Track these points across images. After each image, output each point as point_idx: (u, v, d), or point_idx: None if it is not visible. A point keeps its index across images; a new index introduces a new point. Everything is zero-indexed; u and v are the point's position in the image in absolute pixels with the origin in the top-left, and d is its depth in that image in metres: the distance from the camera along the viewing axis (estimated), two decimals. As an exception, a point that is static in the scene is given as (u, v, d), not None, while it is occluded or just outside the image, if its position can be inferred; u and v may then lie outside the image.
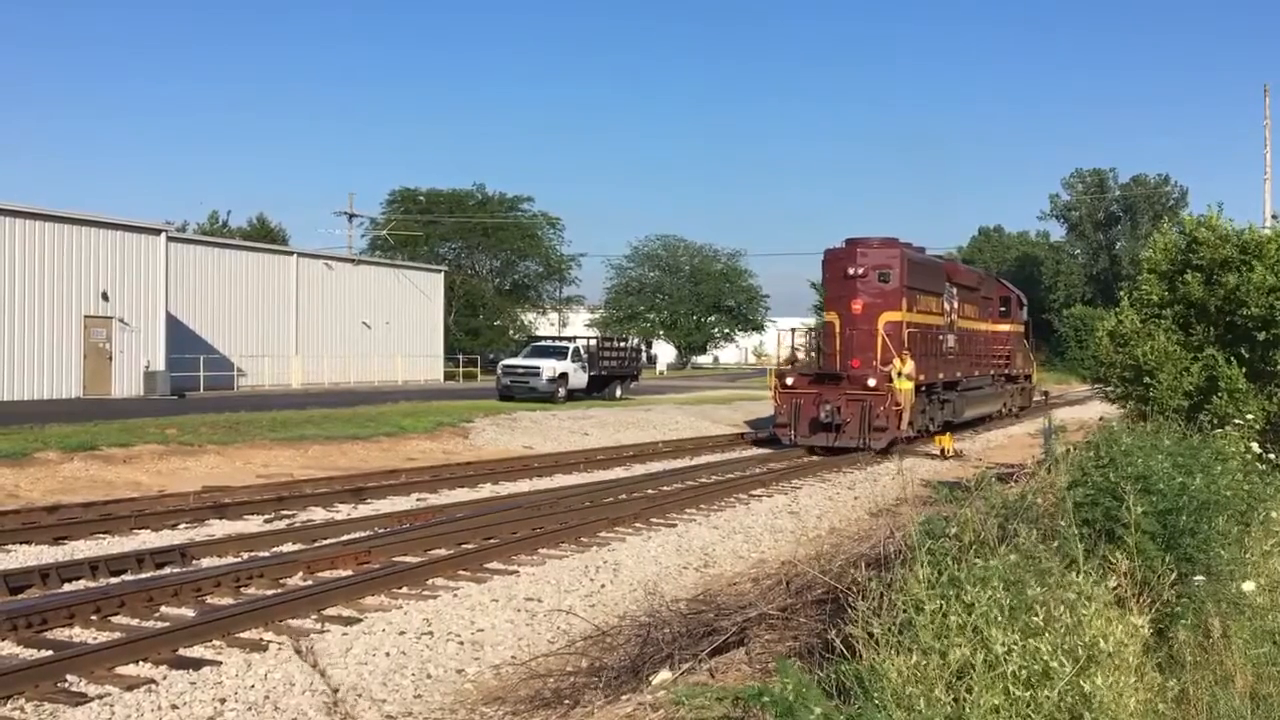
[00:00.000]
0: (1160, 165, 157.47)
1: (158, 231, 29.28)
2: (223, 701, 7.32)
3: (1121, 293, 17.69)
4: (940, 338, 27.76)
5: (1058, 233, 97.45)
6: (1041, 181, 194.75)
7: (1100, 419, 20.05)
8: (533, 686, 7.88)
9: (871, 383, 23.25)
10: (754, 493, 17.88)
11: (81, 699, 7.21)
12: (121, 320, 32.28)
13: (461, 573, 11.36)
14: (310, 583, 10.71)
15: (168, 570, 11.15)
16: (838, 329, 24.72)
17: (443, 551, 12.26)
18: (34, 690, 7.31)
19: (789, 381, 24.46)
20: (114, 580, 10.53)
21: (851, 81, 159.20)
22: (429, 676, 8.23)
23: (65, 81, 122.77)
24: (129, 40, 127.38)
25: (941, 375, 27.47)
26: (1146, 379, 15.26)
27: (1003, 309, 35.92)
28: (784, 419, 24.55)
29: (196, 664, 8.04)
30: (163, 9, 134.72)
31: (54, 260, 25.81)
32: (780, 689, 3.76)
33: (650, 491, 17.59)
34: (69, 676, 7.62)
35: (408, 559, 11.85)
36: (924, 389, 25.84)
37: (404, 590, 10.57)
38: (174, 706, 7.17)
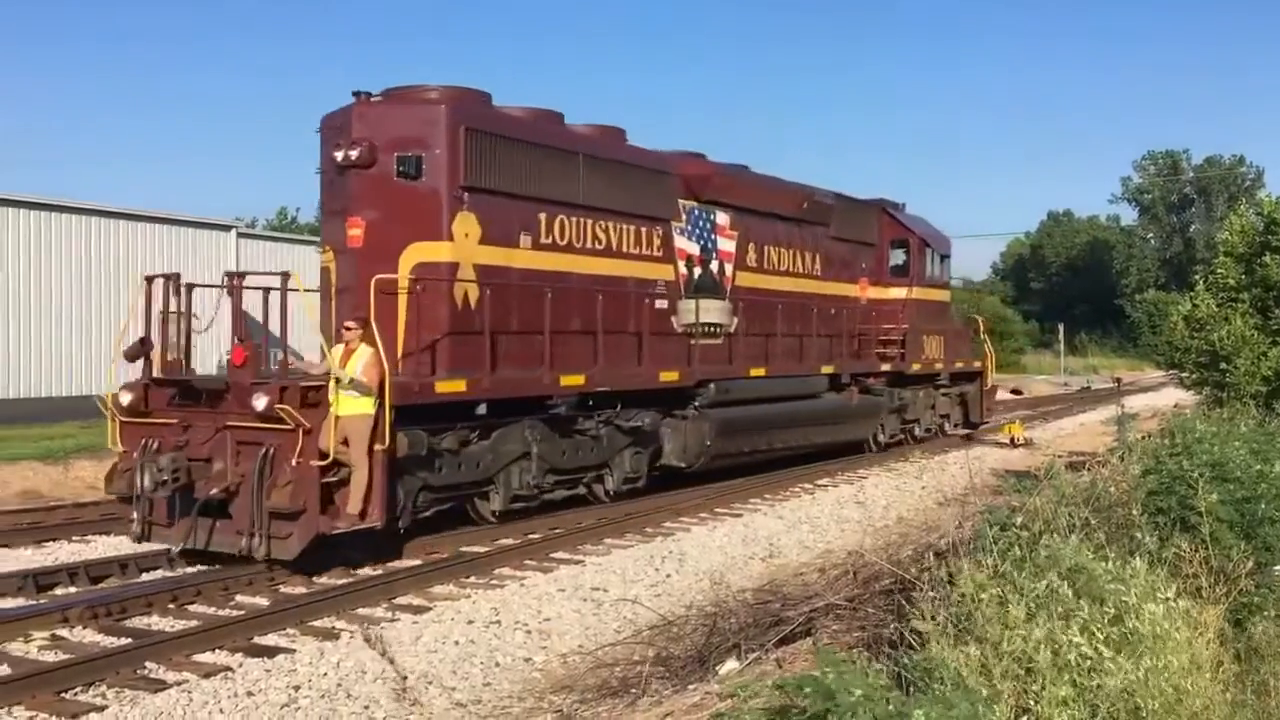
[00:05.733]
0: (1235, 146, 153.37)
1: (228, 228, 29.92)
2: (296, 689, 7.47)
3: (1196, 277, 17.34)
4: (650, 302, 14.88)
5: (1129, 216, 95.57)
6: (1112, 164, 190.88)
7: (1175, 406, 19.65)
8: (600, 675, 7.93)
9: (259, 404, 10.11)
10: (819, 482, 17.79)
11: (161, 685, 7.40)
12: (196, 316, 33.01)
13: (528, 562, 11.46)
14: (380, 572, 10.87)
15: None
16: (333, 279, 12.43)
17: (509, 541, 12.39)
18: (115, 677, 7.52)
19: (128, 401, 11.15)
20: (190, 569, 10.76)
21: (903, 53, 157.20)
22: (497, 665, 8.33)
23: (139, 79, 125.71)
24: (189, 37, 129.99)
25: (635, 372, 14.49)
26: (1223, 364, 14.94)
27: (896, 264, 21.96)
28: (126, 484, 10.82)
29: (271, 651, 8.21)
30: (228, 7, 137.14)
31: (129, 257, 26.51)
32: (823, 676, 3.75)
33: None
34: (148, 664, 7.82)
35: (475, 548, 11.99)
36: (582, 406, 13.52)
37: (471, 579, 10.70)
38: (249, 693, 7.33)
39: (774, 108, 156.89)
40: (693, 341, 15.74)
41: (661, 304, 15.40)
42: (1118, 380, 54.69)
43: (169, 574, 10.65)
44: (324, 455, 10.14)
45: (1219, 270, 16.07)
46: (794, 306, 18.20)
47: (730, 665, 6.88)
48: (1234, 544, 6.02)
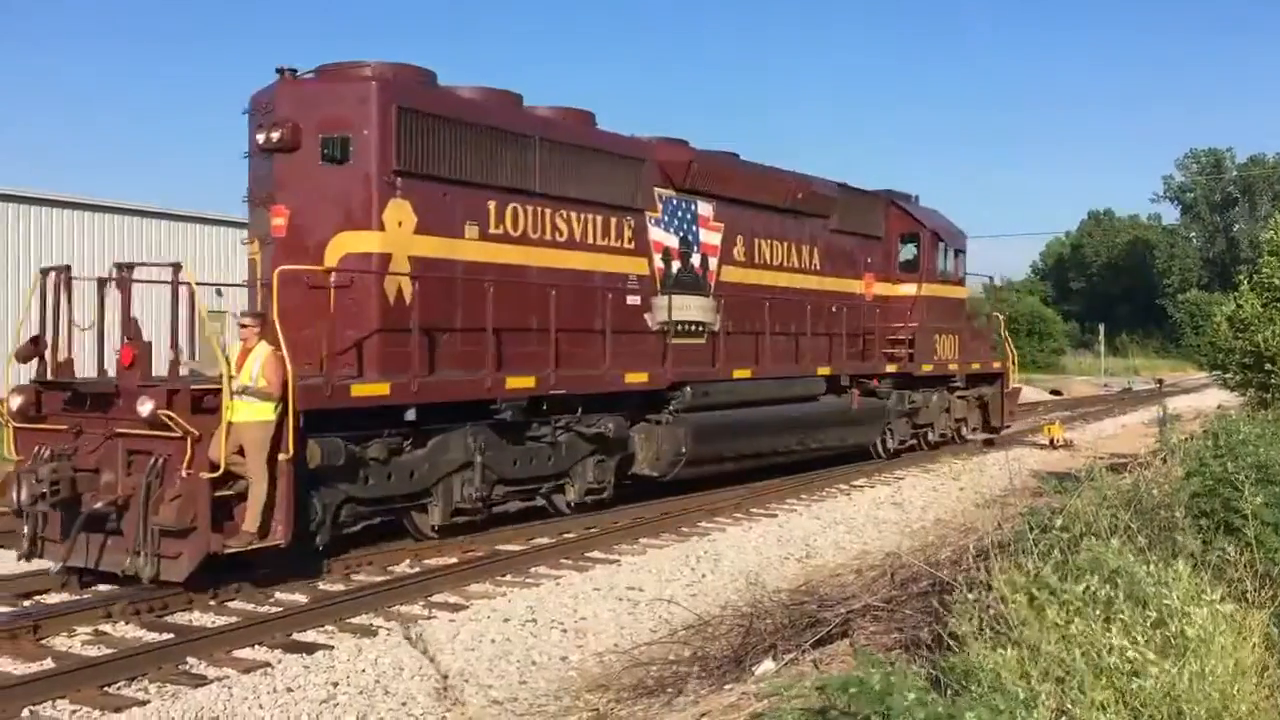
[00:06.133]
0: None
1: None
2: (335, 685, 7.53)
3: (1240, 277, 17.09)
4: (619, 298, 13.81)
5: (1171, 216, 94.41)
6: (1154, 162, 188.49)
7: (1218, 407, 19.38)
8: (636, 674, 7.94)
9: (144, 409, 9.15)
10: (855, 483, 17.70)
11: (201, 680, 7.48)
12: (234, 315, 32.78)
13: (564, 561, 11.49)
14: (418, 570, 10.94)
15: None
16: (259, 272, 11.71)
17: (545, 540, 12.42)
18: (157, 672, 7.62)
19: (18, 406, 10.13)
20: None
21: (934, 45, 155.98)
22: (533, 663, 8.35)
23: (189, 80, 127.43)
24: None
25: (600, 374, 13.27)
26: (1268, 365, 14.72)
27: (906, 259, 20.69)
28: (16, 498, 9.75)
29: (310, 648, 8.28)
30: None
31: (174, 257, 25.92)
32: (867, 678, 3.73)
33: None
34: (189, 659, 7.92)
35: (511, 547, 12.04)
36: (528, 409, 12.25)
37: (508, 578, 10.74)
38: (289, 689, 7.39)
39: (797, 103, 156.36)
40: (669, 341, 14.59)
41: (633, 300, 14.30)
42: (1159, 381, 54.07)
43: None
44: (215, 466, 9.11)
45: (1264, 270, 15.84)
46: (787, 304, 17.04)
47: (766, 666, 6.87)
48: (1279, 547, 5.93)
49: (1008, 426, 23.79)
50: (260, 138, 11.30)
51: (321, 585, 10.26)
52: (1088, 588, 4.60)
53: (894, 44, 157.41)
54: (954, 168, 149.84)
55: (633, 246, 14.45)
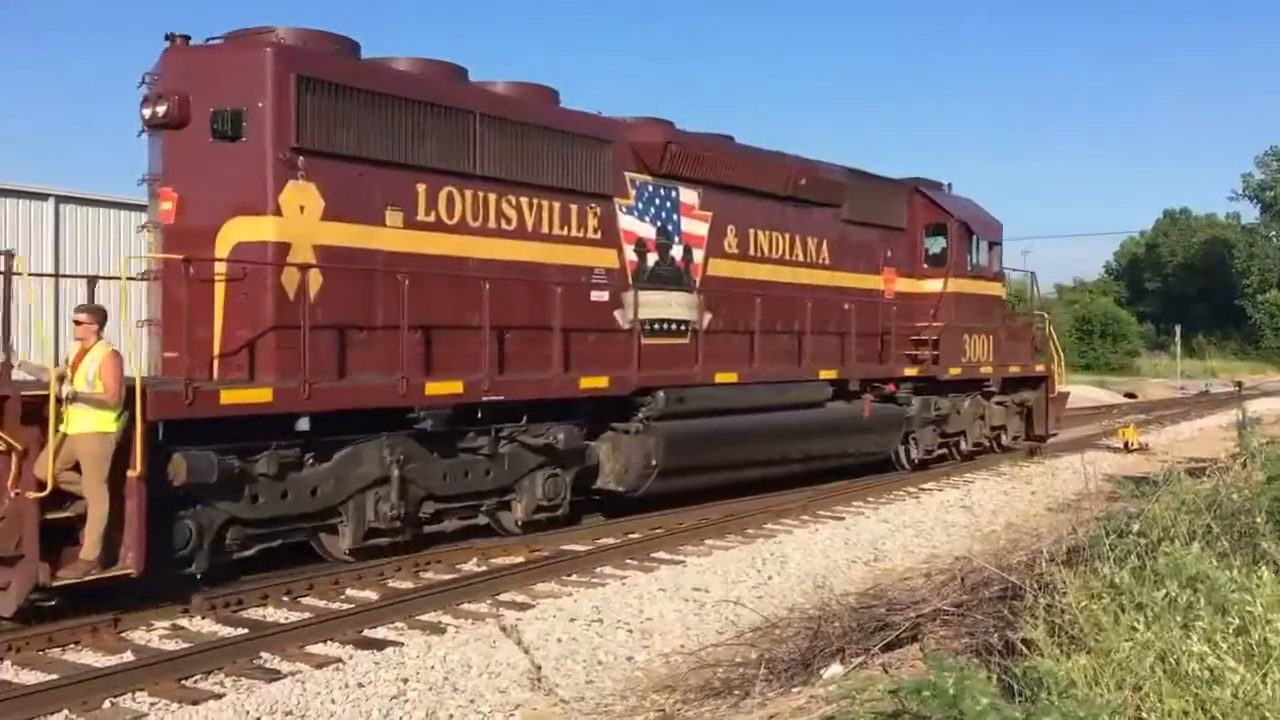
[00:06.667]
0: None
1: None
2: (405, 681, 7.62)
3: (1324, 276, 16.59)
4: (581, 294, 12.67)
5: (1250, 214, 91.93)
6: (1232, 160, 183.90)
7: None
8: (702, 676, 7.93)
9: None
10: (924, 486, 17.50)
11: (275, 675, 7.61)
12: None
13: (629, 561, 11.51)
14: (484, 568, 11.04)
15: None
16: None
17: (611, 541, 12.45)
18: (232, 666, 7.77)
19: None
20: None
21: (1002, 38, 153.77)
22: (599, 663, 8.38)
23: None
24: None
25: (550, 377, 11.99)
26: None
27: (934, 252, 19.09)
28: None
29: (380, 644, 8.40)
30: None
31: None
32: (942, 681, 3.68)
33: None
34: (264, 654, 8.06)
35: (576, 547, 12.09)
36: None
37: (573, 577, 10.78)
38: (360, 685, 7.49)
39: (859, 95, 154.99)
40: (642, 341, 13.20)
41: (599, 296, 12.95)
42: (1238, 384, 52.77)
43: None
44: (43, 485, 8.04)
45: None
46: (784, 300, 15.55)
47: (834, 669, 6.82)
48: (1367, 555, 5.76)
49: (1054, 434, 22.11)
50: (146, 112, 10.10)
51: (391, 583, 10.39)
52: (1167, 594, 4.51)
53: (963, 36, 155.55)
54: (1019, 164, 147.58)
55: (599, 237, 13.08)
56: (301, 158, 10.06)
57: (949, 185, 20.13)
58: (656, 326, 13.66)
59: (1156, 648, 4.26)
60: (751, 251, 15.44)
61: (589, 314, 12.74)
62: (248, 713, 6.90)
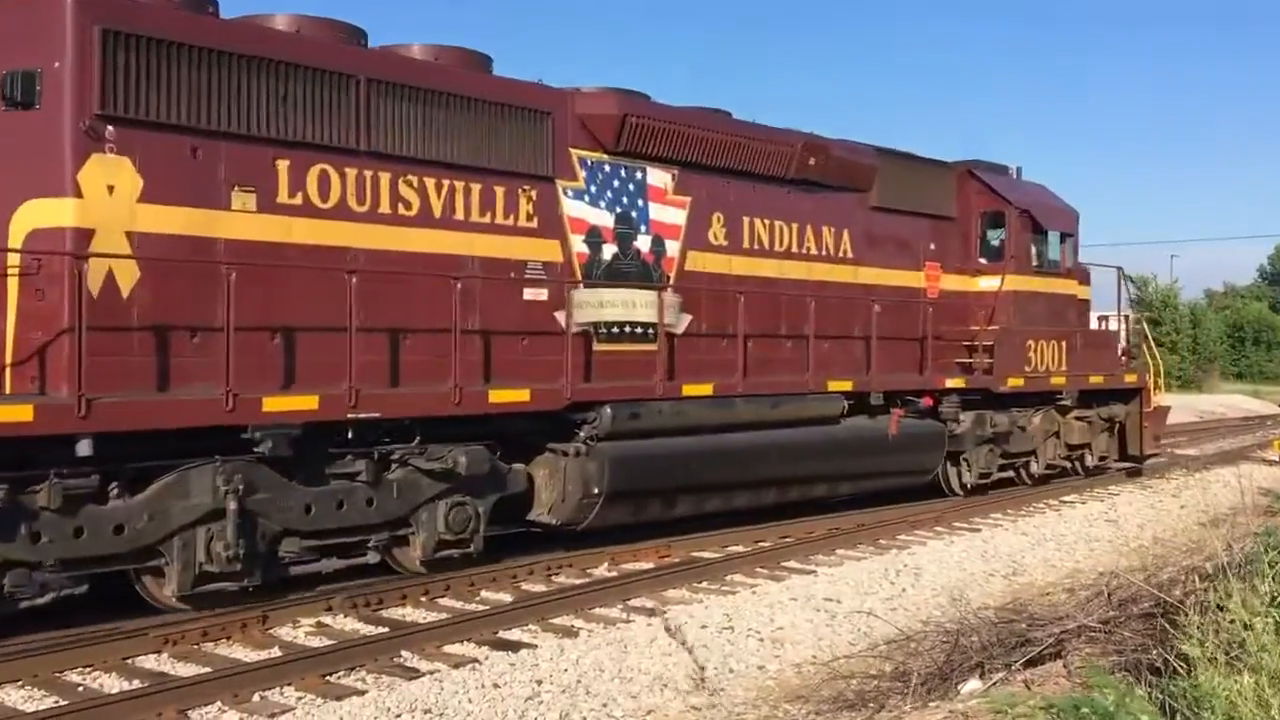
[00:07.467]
0: None
1: None
2: (539, 683, 7.71)
3: None
4: (509, 292, 10.92)
5: None
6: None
7: None
8: (835, 687, 7.83)
9: None
10: (1065, 499, 16.95)
11: (415, 674, 7.79)
12: None
13: (759, 570, 11.44)
14: (615, 574, 11.11)
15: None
16: None
17: (740, 549, 12.40)
18: (373, 663, 7.97)
19: None
20: None
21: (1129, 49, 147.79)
22: (731, 670, 8.35)
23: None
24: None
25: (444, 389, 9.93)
26: None
27: (991, 243, 16.75)
28: None
29: (514, 646, 8.52)
30: None
31: None
32: (1102, 699, 3.56)
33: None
34: (403, 652, 8.25)
35: (706, 554, 12.07)
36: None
37: (704, 584, 10.77)
38: (495, 685, 7.61)
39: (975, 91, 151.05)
40: (596, 347, 11.54)
41: (536, 294, 11.09)
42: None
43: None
44: None
45: None
46: (790, 300, 13.50)
47: (973, 684, 6.66)
48: None
49: (1153, 454, 19.49)
50: None
51: (524, 585, 10.54)
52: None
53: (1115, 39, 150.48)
54: (1169, 166, 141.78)
55: (535, 225, 11.14)
56: (110, 127, 8.33)
57: (1018, 169, 17.82)
58: (614, 330, 11.70)
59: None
60: (747, 243, 13.31)
61: (518, 315, 10.90)
62: (389, 710, 7.06)
